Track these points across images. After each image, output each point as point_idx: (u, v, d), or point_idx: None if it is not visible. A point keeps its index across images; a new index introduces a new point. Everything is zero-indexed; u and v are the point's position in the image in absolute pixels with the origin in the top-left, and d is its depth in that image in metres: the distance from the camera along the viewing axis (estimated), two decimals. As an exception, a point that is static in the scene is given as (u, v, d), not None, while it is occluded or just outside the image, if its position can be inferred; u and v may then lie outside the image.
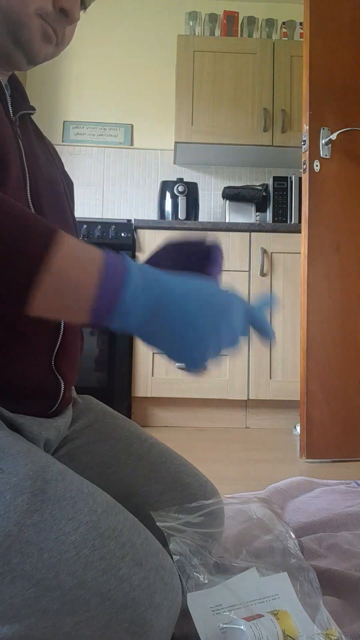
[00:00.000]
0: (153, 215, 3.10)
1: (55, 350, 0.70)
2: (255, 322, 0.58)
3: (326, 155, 1.99)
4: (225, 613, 0.60)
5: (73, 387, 0.84)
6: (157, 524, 0.66)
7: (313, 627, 0.63)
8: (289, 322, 2.52)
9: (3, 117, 0.67)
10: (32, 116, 0.81)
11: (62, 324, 0.71)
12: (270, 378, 2.50)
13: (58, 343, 0.70)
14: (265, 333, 0.58)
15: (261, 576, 0.67)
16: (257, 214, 2.95)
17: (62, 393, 0.72)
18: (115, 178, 3.12)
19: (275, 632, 0.57)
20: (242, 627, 0.57)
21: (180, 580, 0.59)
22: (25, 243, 0.46)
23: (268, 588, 0.65)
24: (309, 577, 0.69)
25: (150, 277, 0.51)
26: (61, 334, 0.70)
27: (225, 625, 0.59)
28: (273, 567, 0.69)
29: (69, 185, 0.86)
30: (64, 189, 0.81)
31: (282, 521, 0.78)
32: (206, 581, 0.62)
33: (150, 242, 2.52)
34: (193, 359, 0.53)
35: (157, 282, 0.51)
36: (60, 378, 0.71)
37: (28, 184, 0.69)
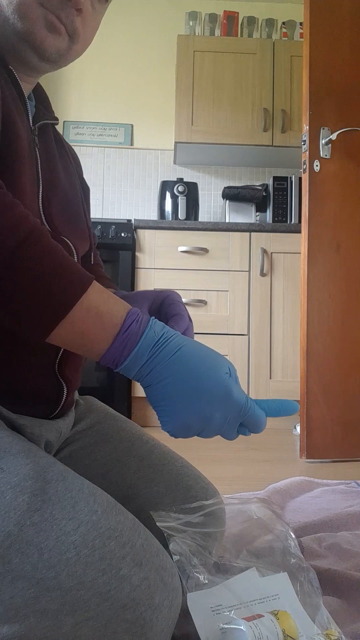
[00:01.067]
0: (153, 215, 3.10)
1: (59, 355, 0.70)
2: (250, 420, 0.60)
3: (326, 155, 1.99)
4: (225, 613, 0.60)
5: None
6: (157, 524, 0.66)
7: (313, 627, 0.63)
8: (289, 322, 2.52)
9: (20, 126, 0.66)
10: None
11: None
12: (270, 378, 2.50)
13: (61, 351, 0.70)
14: (255, 430, 0.61)
15: (261, 576, 0.67)
16: (257, 214, 2.96)
17: (64, 397, 0.72)
18: (115, 178, 3.12)
19: (275, 632, 0.57)
20: (242, 627, 0.57)
21: (180, 580, 0.59)
22: (58, 285, 0.51)
23: (268, 588, 0.65)
24: (308, 577, 0.69)
25: (164, 349, 0.55)
26: None
27: (225, 626, 0.59)
28: (273, 567, 0.69)
29: (85, 191, 0.86)
30: (80, 196, 0.82)
31: (282, 521, 0.78)
32: (206, 581, 0.62)
33: (150, 242, 2.52)
34: (177, 432, 0.58)
35: (167, 355, 0.55)
36: (63, 382, 0.71)
37: (40, 193, 0.69)
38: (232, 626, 0.58)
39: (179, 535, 0.66)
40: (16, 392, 0.66)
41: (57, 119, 0.80)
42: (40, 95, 0.78)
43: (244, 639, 0.56)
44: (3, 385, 0.65)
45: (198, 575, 0.63)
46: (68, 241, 0.72)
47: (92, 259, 0.92)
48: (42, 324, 0.52)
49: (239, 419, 0.59)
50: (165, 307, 0.75)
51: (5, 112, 0.63)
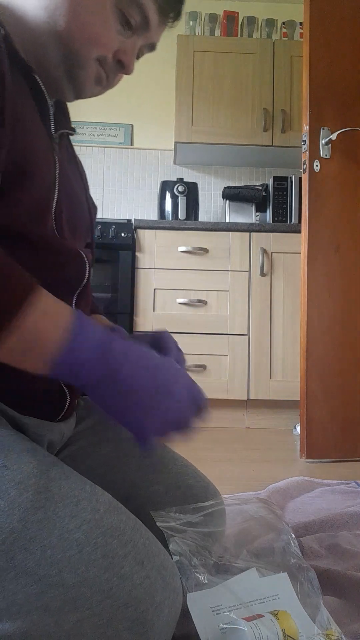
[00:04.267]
0: (153, 215, 3.10)
1: None
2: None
3: (326, 155, 1.99)
4: (225, 613, 0.60)
5: None
6: (157, 524, 0.66)
7: (313, 627, 0.63)
8: (289, 322, 2.52)
9: (43, 131, 0.69)
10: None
11: None
12: (270, 378, 2.50)
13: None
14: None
15: (261, 576, 0.67)
16: (257, 214, 2.96)
17: (67, 404, 0.72)
18: (115, 178, 3.12)
19: (275, 632, 0.58)
20: (242, 627, 0.57)
21: (181, 580, 0.59)
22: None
23: (268, 588, 0.66)
24: (308, 576, 0.69)
25: (105, 346, 0.55)
26: None
27: (225, 626, 0.59)
28: (273, 567, 0.69)
29: (93, 209, 0.87)
30: (88, 211, 0.82)
31: (282, 521, 0.78)
32: (206, 581, 0.62)
33: (150, 242, 2.53)
34: (138, 430, 0.57)
35: (111, 352, 0.55)
36: (66, 390, 0.71)
37: (55, 200, 0.70)
38: (232, 626, 0.58)
39: (179, 535, 0.66)
40: (20, 398, 0.66)
41: (74, 129, 0.81)
42: (59, 104, 0.79)
43: (244, 639, 0.56)
44: (7, 391, 0.65)
45: (198, 575, 0.63)
46: (83, 253, 0.72)
47: None
48: None
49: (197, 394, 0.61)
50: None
51: (22, 122, 0.63)
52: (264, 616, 0.59)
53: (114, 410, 0.56)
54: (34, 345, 0.51)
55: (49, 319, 0.52)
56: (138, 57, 0.76)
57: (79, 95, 0.74)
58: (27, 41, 0.68)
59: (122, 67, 0.72)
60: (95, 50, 0.69)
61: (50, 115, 0.72)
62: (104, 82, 0.73)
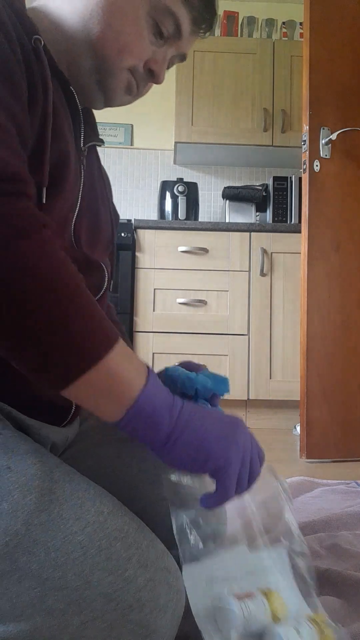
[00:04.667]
0: (153, 215, 3.10)
1: None
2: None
3: (326, 155, 1.99)
4: (217, 590, 0.61)
5: None
6: (168, 475, 0.67)
7: (304, 604, 0.63)
8: (289, 322, 2.52)
9: (74, 147, 0.69)
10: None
11: None
12: (270, 378, 2.50)
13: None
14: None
15: (256, 550, 0.66)
16: (257, 214, 2.96)
17: (72, 411, 0.72)
18: (115, 178, 3.12)
19: (264, 613, 0.59)
20: (233, 608, 0.58)
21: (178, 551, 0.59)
22: (87, 337, 0.51)
23: (263, 562, 0.65)
24: (305, 562, 0.68)
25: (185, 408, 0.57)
26: None
27: (217, 604, 0.59)
28: (272, 542, 0.69)
29: (115, 218, 0.87)
30: (110, 223, 0.82)
31: (288, 500, 0.77)
32: (201, 546, 0.62)
33: (150, 242, 2.53)
34: (222, 468, 0.57)
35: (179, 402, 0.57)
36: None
37: (75, 216, 0.70)
38: (223, 606, 0.58)
39: (180, 504, 0.66)
40: (26, 403, 0.66)
41: (102, 141, 0.82)
42: (88, 115, 0.79)
43: (233, 619, 0.57)
44: (15, 395, 0.65)
45: (195, 543, 0.63)
46: (102, 264, 0.72)
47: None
48: (58, 378, 0.51)
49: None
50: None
51: (59, 136, 0.63)
52: (254, 593, 0.59)
53: (193, 455, 0.56)
54: (114, 387, 0.52)
55: (129, 364, 0.54)
56: (168, 67, 0.77)
57: (108, 103, 0.75)
58: (61, 49, 0.68)
59: (153, 76, 0.73)
60: (128, 60, 0.69)
61: (81, 128, 0.72)
62: (134, 92, 0.74)
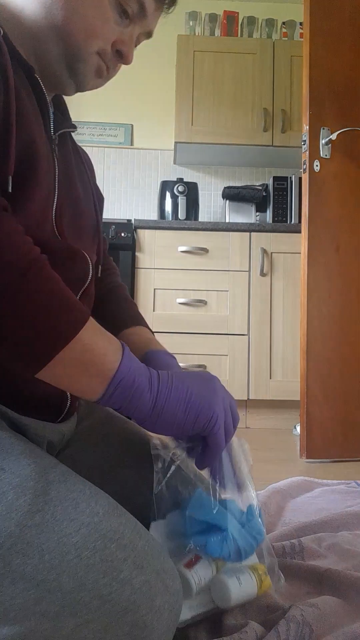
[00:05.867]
0: (153, 215, 3.10)
1: None
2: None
3: (326, 155, 1.99)
4: (172, 545, 0.66)
5: None
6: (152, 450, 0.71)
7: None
8: (289, 322, 2.52)
9: (43, 136, 0.68)
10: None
11: None
12: (270, 378, 2.50)
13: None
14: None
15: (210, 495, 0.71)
16: (257, 214, 2.95)
17: (68, 406, 0.72)
18: (115, 178, 3.12)
19: (210, 570, 0.67)
20: (187, 577, 0.64)
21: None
22: (56, 315, 0.52)
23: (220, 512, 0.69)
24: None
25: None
26: None
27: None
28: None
29: (99, 200, 0.87)
30: (94, 206, 0.82)
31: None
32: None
33: (150, 242, 2.52)
34: (210, 427, 0.61)
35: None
36: (67, 392, 0.71)
37: (55, 205, 0.69)
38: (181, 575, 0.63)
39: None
40: (20, 400, 0.66)
41: (75, 127, 0.80)
42: (58, 101, 0.79)
43: (188, 588, 0.64)
44: (8, 392, 0.65)
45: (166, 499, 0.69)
46: (86, 254, 0.72)
47: (105, 266, 0.91)
48: (33, 359, 0.53)
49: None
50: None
51: (25, 125, 0.62)
52: (199, 557, 0.66)
53: (182, 416, 0.59)
54: (92, 362, 0.55)
55: (103, 338, 0.57)
56: (136, 46, 0.76)
57: (80, 88, 0.74)
58: (25, 38, 0.67)
59: (121, 57, 0.72)
60: (96, 43, 0.68)
61: (50, 117, 0.71)
62: (105, 74, 0.73)
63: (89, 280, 0.73)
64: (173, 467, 0.69)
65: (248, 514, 0.71)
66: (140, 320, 0.89)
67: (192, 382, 0.61)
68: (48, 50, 0.69)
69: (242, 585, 0.68)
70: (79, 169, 0.81)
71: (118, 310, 0.89)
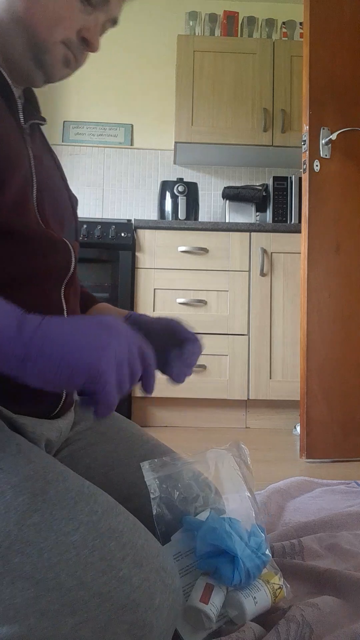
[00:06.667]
0: (153, 215, 3.10)
1: None
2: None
3: (326, 155, 1.99)
4: (180, 566, 0.67)
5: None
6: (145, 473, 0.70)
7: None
8: (289, 322, 2.52)
9: (12, 124, 0.69)
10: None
11: None
12: (270, 378, 2.50)
13: None
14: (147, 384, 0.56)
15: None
16: (257, 214, 2.95)
17: (63, 397, 0.72)
18: (115, 178, 3.12)
19: (223, 596, 0.67)
20: (206, 612, 0.64)
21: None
22: None
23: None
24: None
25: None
26: None
27: (190, 605, 0.65)
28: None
29: (74, 198, 0.87)
30: (70, 200, 0.82)
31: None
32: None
33: (150, 242, 2.52)
34: (94, 376, 0.50)
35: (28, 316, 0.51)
36: None
37: (35, 190, 0.70)
38: (197, 607, 0.65)
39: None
40: (16, 392, 0.66)
41: (45, 120, 0.80)
42: (29, 94, 0.79)
43: (208, 621, 0.64)
44: (2, 386, 0.65)
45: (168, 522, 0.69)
46: (68, 243, 0.72)
47: None
48: None
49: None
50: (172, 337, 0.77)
51: None
52: (212, 586, 0.66)
53: (58, 368, 0.49)
54: None
55: None
56: (102, 34, 0.75)
57: (48, 79, 0.74)
58: None
59: (87, 45, 0.71)
60: (60, 33, 0.68)
61: (19, 107, 0.72)
62: (72, 64, 0.73)
63: (72, 268, 0.73)
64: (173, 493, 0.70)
65: (252, 533, 0.71)
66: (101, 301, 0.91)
67: (74, 331, 0.51)
68: (12, 43, 0.68)
69: (257, 604, 0.69)
70: (50, 160, 0.81)
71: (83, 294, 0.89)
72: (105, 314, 0.84)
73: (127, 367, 0.53)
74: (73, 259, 0.73)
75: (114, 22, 0.75)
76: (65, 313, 0.71)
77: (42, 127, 0.82)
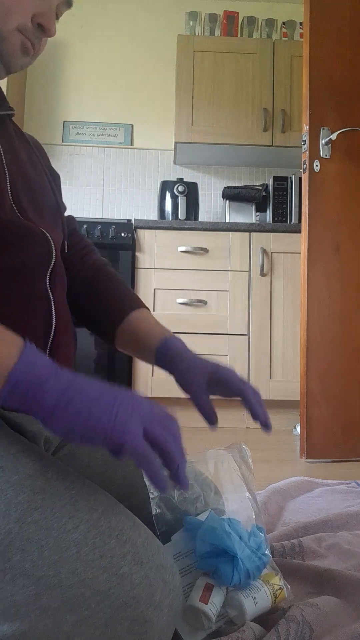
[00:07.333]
0: (153, 215, 3.10)
1: (47, 352, 0.70)
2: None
3: (326, 155, 1.99)
4: (180, 566, 0.68)
5: None
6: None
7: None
8: (289, 322, 2.52)
9: None
10: (12, 117, 0.81)
11: (53, 326, 0.71)
12: (270, 378, 2.50)
13: (49, 344, 0.70)
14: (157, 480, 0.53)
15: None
16: (257, 214, 2.95)
17: None
18: (115, 178, 3.12)
19: (222, 595, 0.68)
20: (206, 612, 0.65)
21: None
22: None
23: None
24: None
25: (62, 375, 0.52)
26: (52, 335, 0.71)
27: (190, 604, 0.66)
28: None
29: (54, 178, 0.87)
30: (48, 183, 0.82)
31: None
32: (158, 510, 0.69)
33: (150, 242, 2.52)
34: (120, 432, 0.51)
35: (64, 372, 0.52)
36: None
37: (8, 182, 0.70)
38: (196, 607, 0.65)
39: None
40: None
41: (12, 109, 0.80)
42: None
43: (208, 620, 0.65)
44: None
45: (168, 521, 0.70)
46: (46, 233, 0.72)
47: (80, 244, 0.91)
48: None
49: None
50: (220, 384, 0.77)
51: None
52: (212, 585, 0.67)
53: (86, 423, 0.50)
54: None
55: None
56: (57, 18, 0.75)
57: (9, 70, 0.73)
58: None
59: (44, 30, 0.71)
60: (14, 20, 0.67)
61: None
62: (31, 51, 0.72)
63: (54, 260, 0.73)
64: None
65: (252, 534, 0.71)
66: (139, 301, 0.85)
67: (95, 394, 0.51)
68: None
69: (257, 605, 0.70)
70: (26, 150, 0.81)
71: (115, 292, 0.85)
72: (143, 327, 0.79)
73: (157, 425, 0.53)
74: (54, 250, 0.73)
75: (68, 4, 0.75)
76: (52, 303, 0.71)
77: (13, 118, 0.81)
